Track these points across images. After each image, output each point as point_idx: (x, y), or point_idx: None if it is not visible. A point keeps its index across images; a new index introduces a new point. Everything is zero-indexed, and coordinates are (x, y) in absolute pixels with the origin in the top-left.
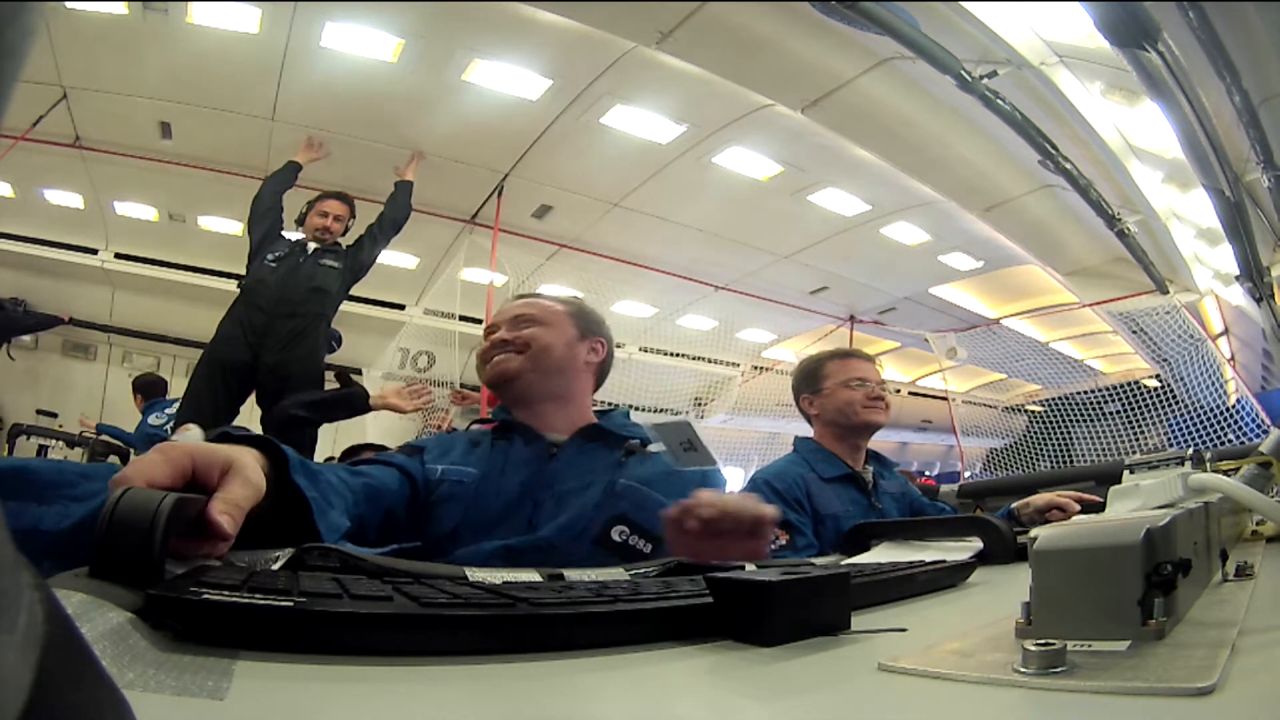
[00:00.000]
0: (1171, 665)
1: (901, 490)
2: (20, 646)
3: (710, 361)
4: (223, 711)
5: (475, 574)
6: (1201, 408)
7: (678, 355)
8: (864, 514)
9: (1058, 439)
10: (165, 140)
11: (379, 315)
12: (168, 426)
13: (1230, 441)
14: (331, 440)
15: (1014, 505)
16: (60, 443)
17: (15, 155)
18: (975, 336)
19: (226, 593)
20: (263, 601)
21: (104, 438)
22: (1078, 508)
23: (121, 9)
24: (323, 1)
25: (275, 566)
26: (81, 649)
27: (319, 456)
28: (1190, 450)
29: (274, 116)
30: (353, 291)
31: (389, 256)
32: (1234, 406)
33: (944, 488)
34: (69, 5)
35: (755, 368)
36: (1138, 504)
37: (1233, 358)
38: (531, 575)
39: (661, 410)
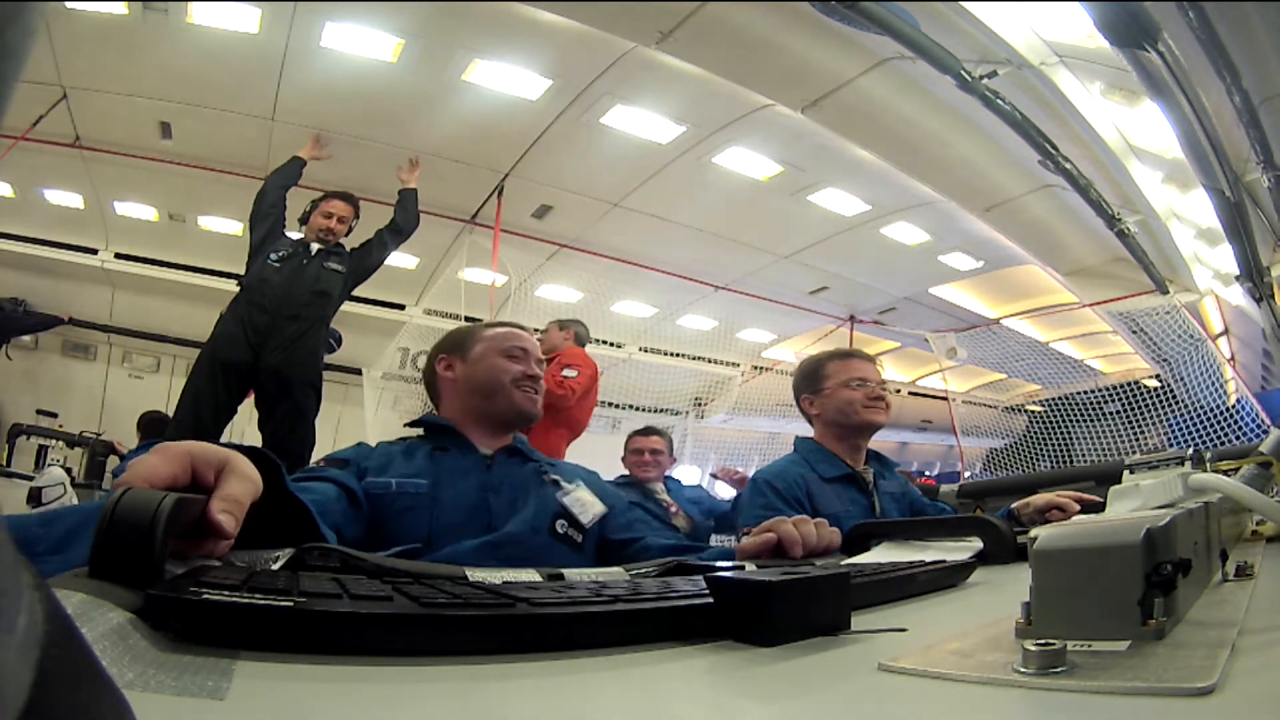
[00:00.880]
0: (1171, 665)
1: (902, 490)
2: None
3: (710, 361)
4: (223, 711)
5: (475, 574)
6: (1201, 408)
7: (678, 355)
8: (864, 514)
9: (1058, 439)
10: (165, 140)
11: (379, 315)
12: None
13: (1230, 441)
14: (332, 440)
15: (1014, 505)
16: (60, 442)
17: (15, 155)
18: (975, 336)
19: (226, 593)
20: (263, 601)
21: (104, 437)
22: (1078, 508)
23: (121, 9)
24: (323, 1)
25: (275, 566)
26: (81, 649)
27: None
28: (1190, 450)
29: (274, 116)
30: (353, 291)
31: (390, 257)
32: (1234, 406)
33: (944, 488)
34: (69, 5)
35: (755, 368)
36: (1138, 504)
37: (1233, 358)
38: (531, 575)
39: (661, 410)
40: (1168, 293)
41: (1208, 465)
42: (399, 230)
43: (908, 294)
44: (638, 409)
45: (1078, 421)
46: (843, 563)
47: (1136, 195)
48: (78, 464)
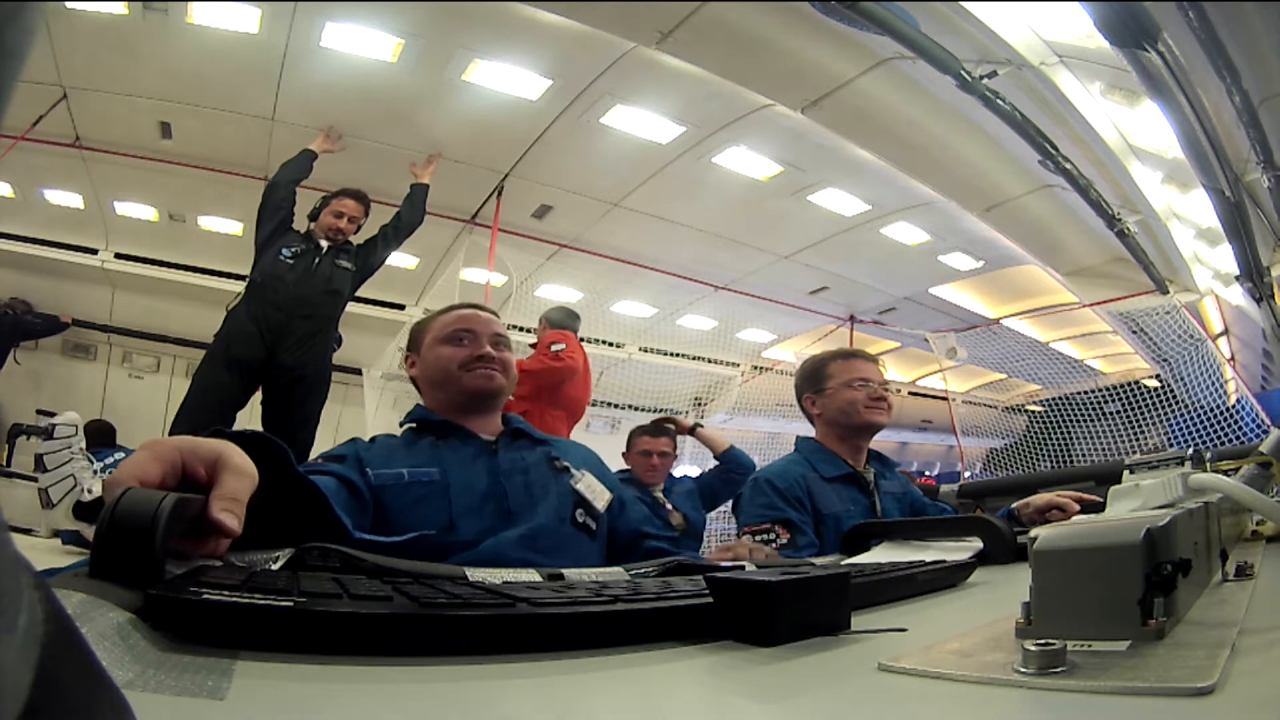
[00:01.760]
0: (1171, 665)
1: (902, 490)
2: (20, 646)
3: (710, 361)
4: (223, 711)
5: (475, 574)
6: (1201, 408)
7: (678, 355)
8: (865, 514)
9: (1058, 439)
10: (165, 140)
11: (379, 315)
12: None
13: (1230, 441)
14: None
15: (1014, 505)
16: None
17: (15, 155)
18: (975, 336)
19: (226, 593)
20: (263, 601)
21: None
22: (1078, 508)
23: (121, 9)
24: (323, 1)
25: (275, 566)
26: (81, 649)
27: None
28: (1190, 450)
29: (274, 116)
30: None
31: (389, 257)
32: (1234, 406)
33: (944, 488)
34: (69, 5)
35: (755, 368)
36: (1138, 504)
37: (1233, 358)
38: (531, 575)
39: (661, 410)
40: (1168, 293)
41: (1208, 465)
42: (403, 226)
43: (908, 294)
44: (638, 409)
45: (1078, 421)
46: (843, 563)
47: (1136, 195)
48: None
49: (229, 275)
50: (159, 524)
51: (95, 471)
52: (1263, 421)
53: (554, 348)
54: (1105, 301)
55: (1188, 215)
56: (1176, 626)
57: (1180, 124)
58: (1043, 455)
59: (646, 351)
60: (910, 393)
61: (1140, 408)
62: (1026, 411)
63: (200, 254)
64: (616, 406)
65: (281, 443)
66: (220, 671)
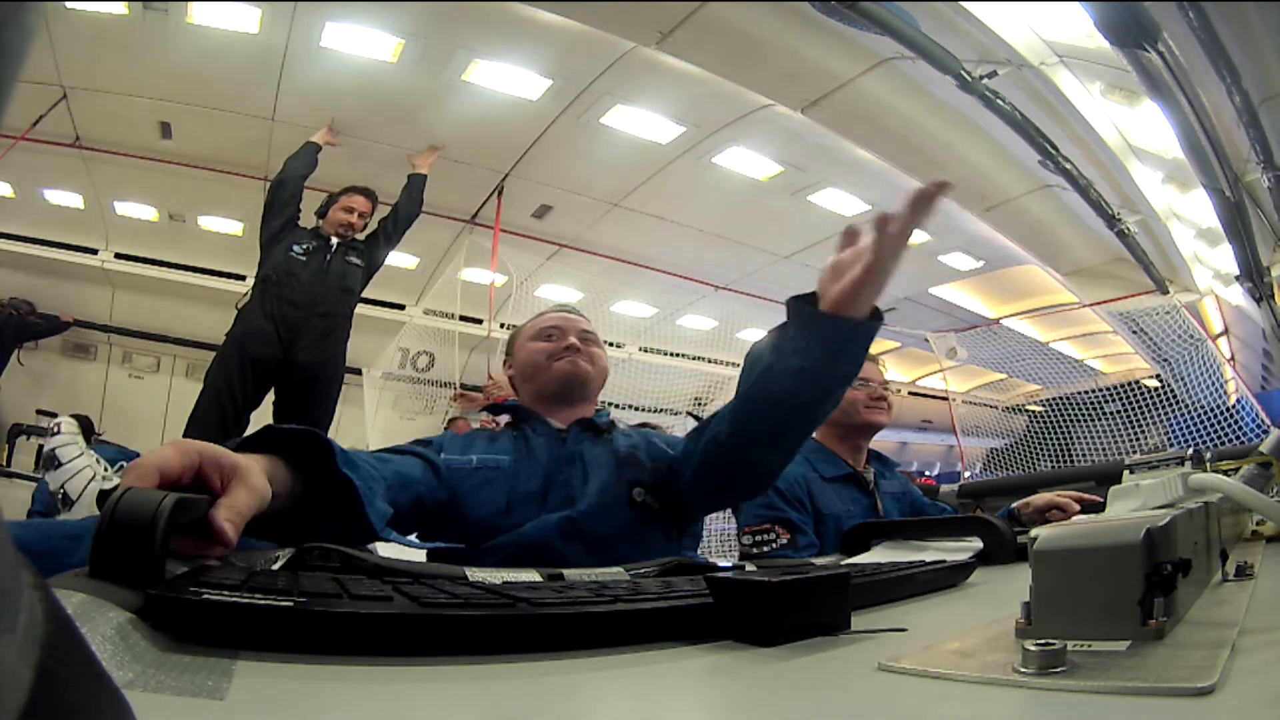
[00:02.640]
0: (1171, 665)
1: (902, 490)
2: (20, 646)
3: (710, 361)
4: (223, 711)
5: (475, 574)
6: (1201, 408)
7: (678, 355)
8: (865, 514)
9: (1058, 439)
10: (165, 140)
11: (379, 315)
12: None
13: (1230, 441)
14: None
15: (1014, 505)
16: None
17: (15, 155)
18: (975, 336)
19: (226, 593)
20: (263, 601)
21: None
22: (1078, 508)
23: (121, 9)
24: (323, 1)
25: (275, 566)
26: (81, 649)
27: None
28: (1190, 450)
29: (274, 116)
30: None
31: (389, 256)
32: (1234, 406)
33: (944, 488)
34: (69, 5)
35: None
36: (1138, 504)
37: (1233, 358)
38: (531, 575)
39: (661, 410)
40: (1168, 293)
41: (1208, 465)
42: (401, 219)
43: (908, 294)
44: (638, 409)
45: (1078, 421)
46: (843, 563)
47: (1136, 195)
48: None
49: (229, 275)
50: (159, 524)
51: (106, 467)
52: (1263, 421)
53: None
54: (1105, 301)
55: (1188, 215)
56: (1176, 626)
57: (1180, 124)
58: (1043, 455)
59: (646, 351)
60: (910, 393)
61: (1140, 408)
62: (1026, 411)
63: (200, 254)
64: (616, 406)
65: (329, 438)
66: (220, 671)
